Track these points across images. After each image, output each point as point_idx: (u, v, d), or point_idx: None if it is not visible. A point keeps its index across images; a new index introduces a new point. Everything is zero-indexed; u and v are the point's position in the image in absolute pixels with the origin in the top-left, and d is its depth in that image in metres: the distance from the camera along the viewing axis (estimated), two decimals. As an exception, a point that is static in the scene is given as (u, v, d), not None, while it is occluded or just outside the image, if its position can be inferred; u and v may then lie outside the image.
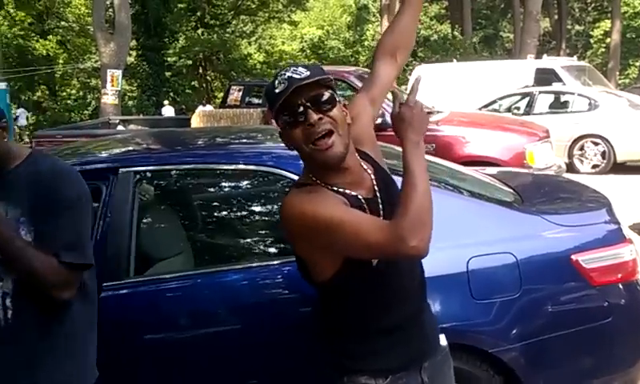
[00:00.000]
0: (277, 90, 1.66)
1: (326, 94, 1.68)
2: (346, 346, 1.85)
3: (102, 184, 2.67)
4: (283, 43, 33.04)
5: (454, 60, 16.97)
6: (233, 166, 2.93)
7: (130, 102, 25.83)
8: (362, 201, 1.75)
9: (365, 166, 1.82)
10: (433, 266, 2.45)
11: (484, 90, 12.44)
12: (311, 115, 1.65)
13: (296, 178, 2.64)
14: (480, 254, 2.60)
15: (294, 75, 1.66)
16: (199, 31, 28.87)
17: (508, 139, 6.70)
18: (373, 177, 1.81)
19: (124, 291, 2.60)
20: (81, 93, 30.56)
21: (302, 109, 1.66)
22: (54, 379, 1.90)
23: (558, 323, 2.62)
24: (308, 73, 1.67)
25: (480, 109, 11.39)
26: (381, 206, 1.78)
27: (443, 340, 2.03)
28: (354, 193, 1.75)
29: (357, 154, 1.81)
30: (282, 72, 1.69)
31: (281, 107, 1.68)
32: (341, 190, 1.74)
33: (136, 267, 2.66)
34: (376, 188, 1.80)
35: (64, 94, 30.89)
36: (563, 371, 2.65)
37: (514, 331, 2.57)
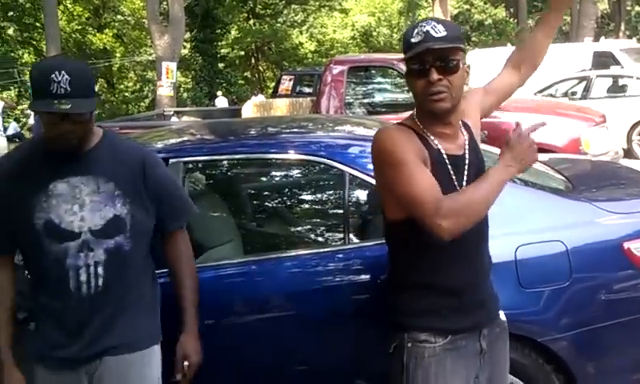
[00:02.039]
0: (412, 40, 1.83)
1: (452, 60, 1.83)
2: (408, 303, 1.96)
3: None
4: (334, 31, 32.96)
5: (508, 44, 16.61)
6: (282, 156, 2.96)
7: (185, 94, 26.28)
8: (445, 156, 1.90)
9: (463, 130, 1.99)
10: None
11: (539, 74, 12.05)
12: (433, 74, 1.81)
13: (344, 168, 2.69)
14: (528, 242, 2.57)
15: (432, 32, 1.81)
16: (251, 22, 29.12)
17: (563, 125, 6.52)
18: (466, 138, 1.98)
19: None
20: (138, 85, 31.26)
21: (427, 66, 1.81)
22: (137, 338, 2.10)
23: (609, 312, 2.57)
24: (445, 34, 1.81)
25: (535, 94, 11.14)
26: (466, 165, 1.94)
27: (502, 315, 2.11)
28: (440, 147, 1.90)
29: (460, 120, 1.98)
30: (423, 23, 1.84)
31: (411, 56, 1.84)
32: (430, 139, 1.90)
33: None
34: (466, 148, 1.96)
35: (121, 86, 31.64)
36: (614, 361, 2.60)
37: (564, 320, 2.54)
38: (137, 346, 2.10)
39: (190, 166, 2.86)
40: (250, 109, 8.09)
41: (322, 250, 2.78)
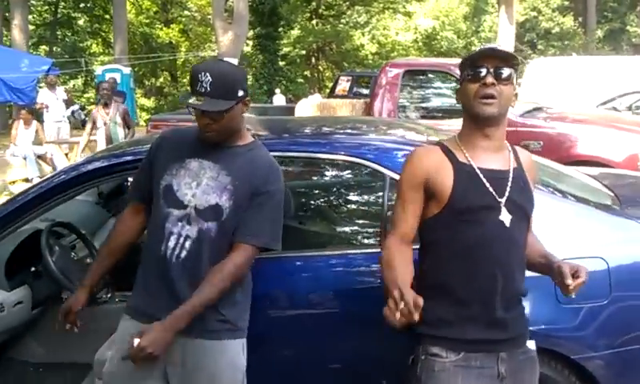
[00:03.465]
0: (474, 48, 2.04)
1: (507, 71, 1.95)
2: (423, 312, 1.87)
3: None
4: (397, 34, 32.79)
5: (573, 54, 16.19)
6: (330, 156, 2.94)
7: (245, 90, 26.64)
8: (477, 170, 1.96)
9: (509, 148, 2.07)
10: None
11: (604, 86, 11.78)
12: (488, 78, 1.92)
13: (386, 171, 2.68)
14: (568, 258, 2.51)
15: (495, 46, 2.02)
16: (314, 22, 29.29)
17: (622, 139, 6.28)
18: (513, 157, 2.05)
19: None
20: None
21: (484, 71, 1.93)
22: (211, 327, 2.22)
23: (648, 335, 2.49)
24: (506, 50, 2.00)
25: (598, 106, 10.82)
26: (509, 182, 1.98)
27: (532, 345, 2.04)
28: (473, 162, 1.98)
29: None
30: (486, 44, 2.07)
31: (469, 63, 1.97)
32: (463, 153, 1.99)
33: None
34: (511, 167, 2.02)
35: (184, 80, 32.32)
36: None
37: (600, 339, 2.48)
38: (210, 334, 2.22)
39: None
40: (303, 107, 8.14)
41: (357, 251, 2.78)
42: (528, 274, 2.45)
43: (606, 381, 2.48)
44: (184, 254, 2.19)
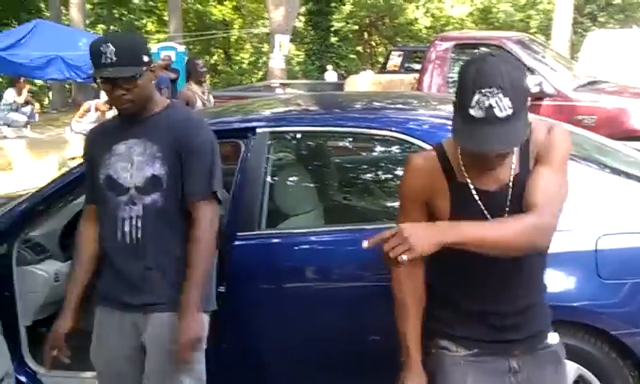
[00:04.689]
0: (471, 112, 1.60)
1: (513, 150, 1.72)
2: (433, 308, 1.89)
3: (241, 141, 2.88)
4: (452, 7, 32.12)
5: (634, 26, 15.57)
6: (379, 132, 2.95)
7: (297, 67, 26.67)
8: (473, 191, 1.76)
9: (516, 161, 1.77)
10: (558, 242, 2.43)
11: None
12: (489, 163, 1.71)
13: (427, 147, 2.68)
14: (611, 233, 2.49)
15: (497, 111, 1.59)
16: (366, -4, 28.94)
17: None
18: (513, 174, 1.77)
19: (254, 242, 2.77)
20: (253, 57, 32.05)
21: (485, 158, 1.69)
22: (175, 299, 2.22)
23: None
24: (510, 112, 1.58)
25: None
26: (508, 201, 1.76)
27: (554, 339, 1.91)
28: (470, 182, 1.77)
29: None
30: (485, 92, 1.59)
31: (462, 144, 1.71)
32: (461, 172, 1.77)
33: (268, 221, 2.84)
34: (510, 184, 1.76)
35: (238, 58, 32.57)
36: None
37: (642, 316, 2.45)
38: (174, 306, 2.21)
39: (275, 135, 2.95)
40: (353, 84, 8.14)
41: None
42: (566, 249, 2.44)
43: (648, 357, 2.45)
44: (140, 234, 2.23)
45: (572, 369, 2.51)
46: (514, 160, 1.77)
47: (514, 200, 1.76)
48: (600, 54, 11.66)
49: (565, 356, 1.95)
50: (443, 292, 1.88)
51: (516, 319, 1.85)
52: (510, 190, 1.76)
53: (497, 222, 1.71)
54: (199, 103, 7.23)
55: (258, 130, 2.87)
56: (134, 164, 2.24)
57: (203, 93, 7.41)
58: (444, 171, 1.80)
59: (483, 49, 7.58)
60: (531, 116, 1.76)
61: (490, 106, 1.58)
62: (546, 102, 6.46)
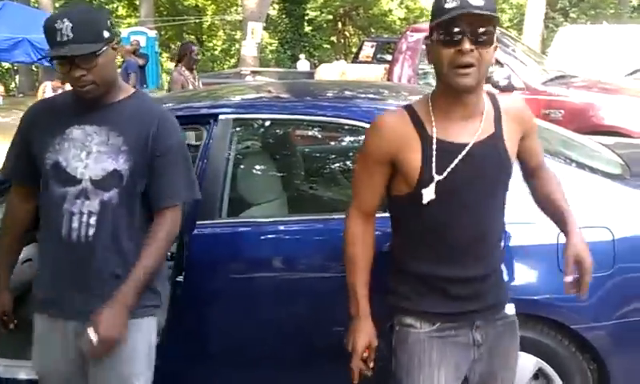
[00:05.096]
0: (446, 5, 1.67)
1: (488, 31, 1.70)
2: (396, 284, 1.92)
3: (203, 128, 2.81)
4: (426, -1, 32.20)
5: (604, 22, 15.78)
6: (342, 120, 2.89)
7: (271, 55, 26.51)
8: (434, 142, 1.78)
9: (490, 123, 1.83)
10: (521, 234, 2.43)
11: (634, 56, 11.45)
12: (465, 43, 1.67)
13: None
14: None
15: (472, 2, 1.65)
16: (341, -15, 28.84)
17: (646, 109, 6.15)
18: (487, 133, 1.82)
19: (214, 230, 2.69)
20: (226, 44, 31.78)
21: (460, 35, 1.68)
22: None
23: (653, 307, 2.46)
24: (482, 3, 1.66)
25: (625, 76, 10.55)
26: (460, 155, 1.78)
27: (511, 309, 1.98)
28: (435, 134, 1.78)
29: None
30: None
31: (441, 23, 1.69)
32: (430, 126, 1.79)
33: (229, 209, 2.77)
34: (476, 139, 1.79)
35: (210, 44, 32.26)
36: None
37: (601, 310, 2.45)
38: (144, 311, 2.09)
39: (238, 122, 2.88)
40: (323, 73, 8.10)
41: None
42: (532, 241, 2.45)
43: (606, 352, 2.46)
44: (92, 231, 2.00)
45: (531, 362, 2.52)
46: (483, 120, 1.81)
47: (490, 156, 1.80)
48: (570, 49, 11.79)
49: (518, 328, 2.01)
50: (409, 263, 1.89)
51: (477, 287, 1.87)
52: (471, 146, 1.78)
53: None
54: (190, 88, 7.07)
55: (221, 117, 2.80)
56: (92, 154, 2.01)
57: (194, 79, 7.36)
58: (415, 125, 1.80)
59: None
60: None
61: None
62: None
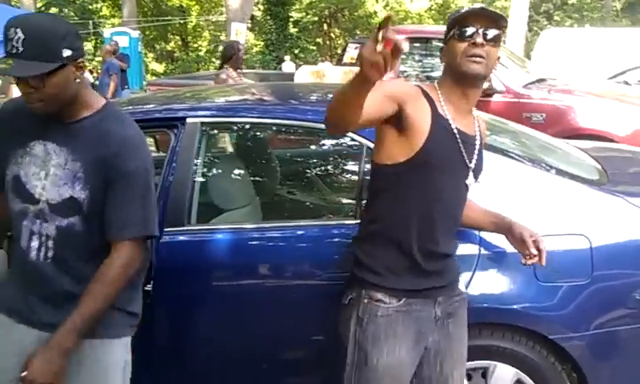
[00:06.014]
0: (463, 10, 1.97)
1: (496, 32, 1.96)
2: (370, 258, 2.04)
3: (170, 132, 2.71)
4: (411, 1, 32.26)
5: (587, 25, 15.85)
6: (309, 124, 2.80)
7: (256, 57, 26.40)
8: (454, 129, 1.98)
9: (475, 117, 2.10)
10: (496, 242, 2.36)
11: (617, 59, 11.49)
12: (477, 37, 1.93)
13: (364, 141, 2.56)
14: (549, 234, 2.41)
15: (485, 6, 1.98)
16: (326, -14, 28.77)
17: (627, 113, 6.06)
18: (477, 123, 2.10)
19: (183, 238, 2.60)
20: (211, 45, 31.63)
21: (474, 30, 1.93)
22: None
23: (632, 316, 2.41)
24: (495, 13, 1.98)
25: (608, 79, 10.58)
26: (476, 149, 2.05)
27: (462, 287, 2.24)
28: (450, 118, 1.99)
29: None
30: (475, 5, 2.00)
31: (459, 20, 1.95)
32: (442, 107, 1.99)
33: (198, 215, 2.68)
34: (477, 134, 2.07)
35: (195, 45, 32.10)
36: (632, 368, 2.43)
37: (580, 319, 2.39)
38: (115, 331, 2.00)
39: (207, 126, 2.78)
40: (303, 75, 8.02)
41: (330, 222, 2.69)
42: (504, 249, 2.38)
43: (585, 362, 2.40)
44: (51, 254, 1.89)
45: (510, 373, 2.46)
46: (475, 123, 2.09)
47: (479, 153, 2.07)
48: (553, 52, 11.83)
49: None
50: (387, 237, 2.01)
51: (443, 264, 2.09)
52: (478, 141, 2.06)
53: None
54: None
55: (188, 120, 2.70)
56: (49, 176, 1.86)
57: (240, 79, 7.06)
58: (426, 98, 1.97)
59: (436, 43, 7.58)
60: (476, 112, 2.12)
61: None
62: (495, 99, 6.43)
